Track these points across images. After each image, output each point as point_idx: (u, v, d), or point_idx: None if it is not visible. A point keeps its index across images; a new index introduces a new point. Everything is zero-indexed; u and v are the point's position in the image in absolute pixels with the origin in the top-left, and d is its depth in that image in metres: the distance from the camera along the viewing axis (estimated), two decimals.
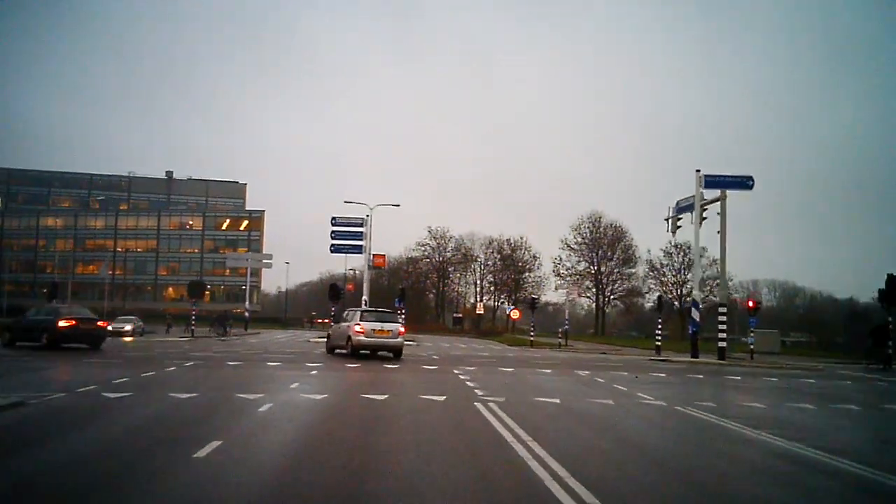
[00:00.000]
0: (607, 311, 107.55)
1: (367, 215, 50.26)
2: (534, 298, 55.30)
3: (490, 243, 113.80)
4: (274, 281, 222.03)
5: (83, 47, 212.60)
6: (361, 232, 49.64)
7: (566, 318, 56.90)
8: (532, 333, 53.60)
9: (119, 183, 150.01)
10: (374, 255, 54.38)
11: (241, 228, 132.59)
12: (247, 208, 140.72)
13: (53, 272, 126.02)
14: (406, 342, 33.67)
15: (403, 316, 50.00)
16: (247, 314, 77.10)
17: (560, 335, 53.33)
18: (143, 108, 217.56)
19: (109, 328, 38.77)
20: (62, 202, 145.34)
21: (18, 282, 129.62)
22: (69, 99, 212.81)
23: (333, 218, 49.51)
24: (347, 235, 49.46)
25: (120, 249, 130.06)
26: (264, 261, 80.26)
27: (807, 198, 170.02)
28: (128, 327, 54.59)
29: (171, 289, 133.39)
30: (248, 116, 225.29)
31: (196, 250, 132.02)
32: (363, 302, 50.34)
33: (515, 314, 67.91)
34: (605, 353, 43.79)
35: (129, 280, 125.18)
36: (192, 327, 49.90)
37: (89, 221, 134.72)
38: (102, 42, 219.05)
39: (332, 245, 49.64)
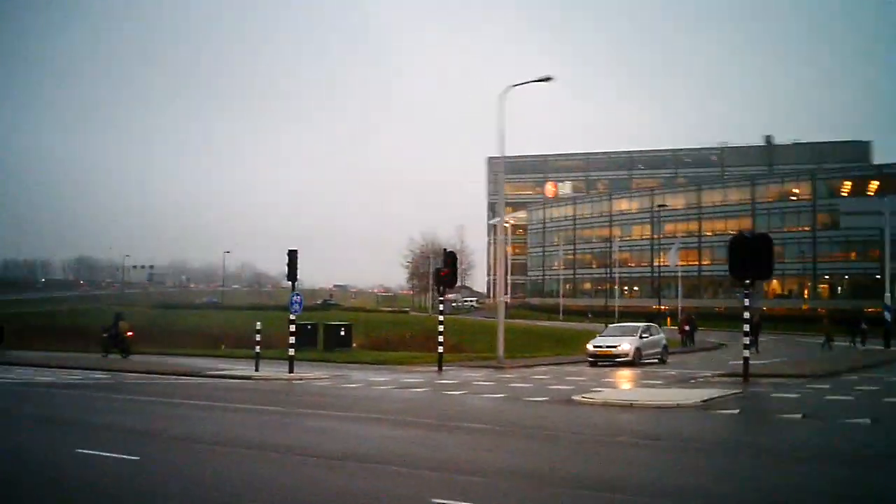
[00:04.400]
0: None
1: None
2: None
3: None
4: None
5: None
6: None
7: None
8: None
9: (708, 157, 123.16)
10: None
11: (871, 192, 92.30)
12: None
13: (634, 265, 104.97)
14: None
15: None
16: (887, 315, 40.60)
17: None
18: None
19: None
20: (646, 184, 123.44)
21: (595, 278, 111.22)
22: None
23: None
24: None
25: (708, 233, 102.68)
26: None
27: None
28: (624, 346, 29.75)
29: (774, 281, 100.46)
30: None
31: (806, 228, 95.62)
32: None
33: None
34: None
35: (705, 272, 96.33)
36: None
37: (667, 202, 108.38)
38: None
39: None
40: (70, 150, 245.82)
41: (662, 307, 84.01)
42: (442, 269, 28.47)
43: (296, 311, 25.58)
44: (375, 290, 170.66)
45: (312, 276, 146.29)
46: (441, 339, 27.81)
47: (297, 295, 25.83)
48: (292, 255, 25.52)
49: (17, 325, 58.04)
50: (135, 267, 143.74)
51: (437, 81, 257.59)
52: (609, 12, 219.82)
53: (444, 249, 30.16)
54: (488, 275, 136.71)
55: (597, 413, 15.23)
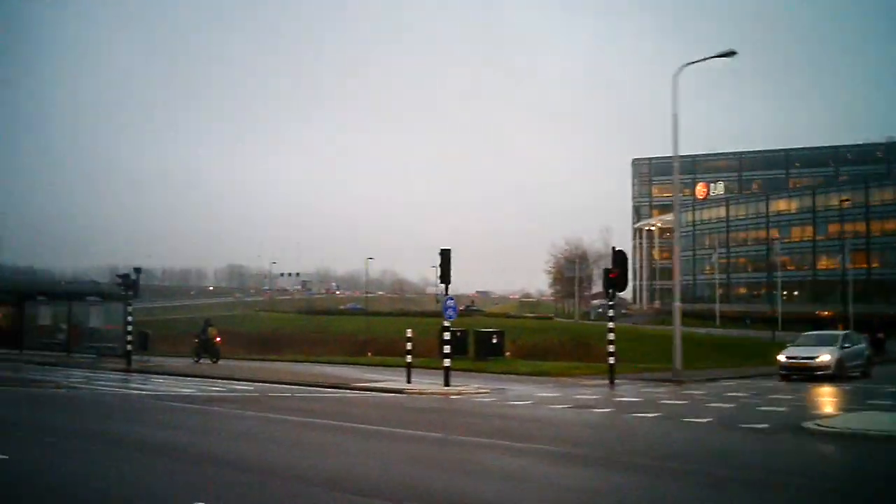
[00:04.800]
0: None
1: None
2: None
3: None
4: None
5: None
6: None
7: None
8: None
9: (873, 152, 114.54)
10: None
11: None
12: None
13: (794, 268, 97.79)
14: None
15: None
16: None
17: None
18: None
19: None
20: (803, 182, 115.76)
21: (750, 283, 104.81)
22: None
23: None
24: None
25: (877, 233, 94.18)
26: None
27: None
28: (824, 357, 26.38)
29: None
30: None
31: None
32: None
33: None
34: None
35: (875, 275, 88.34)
36: None
37: (830, 201, 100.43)
38: None
39: None
40: (219, 162, 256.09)
41: (826, 312, 77.47)
42: (611, 270, 25.29)
43: (450, 317, 22.96)
44: (516, 296, 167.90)
45: (453, 282, 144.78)
46: (611, 348, 24.57)
47: (451, 299, 23.22)
48: (445, 254, 22.95)
49: (168, 331, 58.58)
50: (282, 274, 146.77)
51: (575, 80, 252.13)
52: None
53: (613, 248, 26.94)
54: (634, 279, 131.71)
55: (856, 450, 11.79)
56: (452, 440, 12.76)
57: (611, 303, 26.03)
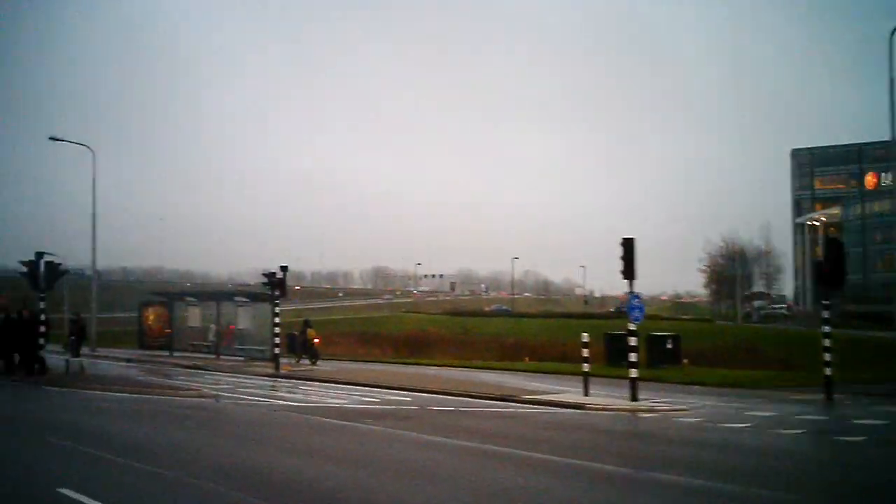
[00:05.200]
0: None
1: None
2: None
3: None
4: None
5: None
6: None
7: None
8: None
9: None
10: None
11: None
12: None
13: None
14: None
15: None
16: None
17: None
18: None
19: None
20: None
21: None
22: None
23: None
24: None
25: None
26: None
27: None
28: None
29: None
30: None
31: None
32: None
33: None
34: None
35: None
36: None
37: None
38: None
39: None
40: (360, 168, 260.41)
41: None
42: (823, 263, 21.29)
43: (636, 319, 19.58)
44: (665, 298, 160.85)
45: (602, 283, 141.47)
46: (828, 357, 20.57)
47: (637, 297, 19.94)
48: (628, 244, 19.55)
49: (318, 333, 57.70)
50: (426, 276, 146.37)
51: (722, 65, 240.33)
52: None
53: (826, 237, 23.16)
54: (795, 279, 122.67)
55: None
56: (694, 487, 9.47)
57: (825, 302, 21.89)
